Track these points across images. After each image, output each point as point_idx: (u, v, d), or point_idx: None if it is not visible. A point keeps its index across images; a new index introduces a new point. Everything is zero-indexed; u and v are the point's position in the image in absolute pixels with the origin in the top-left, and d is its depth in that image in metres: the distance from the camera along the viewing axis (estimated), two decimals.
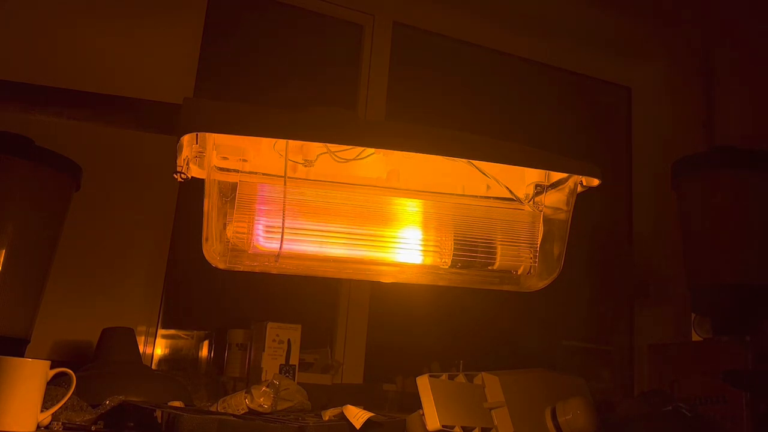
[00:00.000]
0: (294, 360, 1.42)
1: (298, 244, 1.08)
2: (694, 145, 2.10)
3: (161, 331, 1.68)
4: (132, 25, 1.69)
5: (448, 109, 2.10)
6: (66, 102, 1.09)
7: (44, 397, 0.97)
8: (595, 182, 1.12)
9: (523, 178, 1.18)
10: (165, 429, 0.97)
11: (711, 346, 1.46)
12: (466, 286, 1.21)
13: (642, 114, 2.39)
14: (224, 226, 1.05)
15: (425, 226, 1.16)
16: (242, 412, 1.11)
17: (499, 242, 1.16)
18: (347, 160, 1.09)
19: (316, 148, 1.07)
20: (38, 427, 0.96)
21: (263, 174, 1.08)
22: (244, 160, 1.06)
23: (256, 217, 1.05)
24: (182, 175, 1.04)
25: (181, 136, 0.97)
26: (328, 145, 1.06)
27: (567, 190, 1.15)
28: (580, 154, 1.17)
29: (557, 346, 2.14)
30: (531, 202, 1.18)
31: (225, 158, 1.05)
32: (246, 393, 1.13)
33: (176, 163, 1.03)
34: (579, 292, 2.12)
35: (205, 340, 1.75)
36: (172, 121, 1.01)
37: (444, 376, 1.09)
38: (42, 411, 0.97)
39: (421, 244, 1.15)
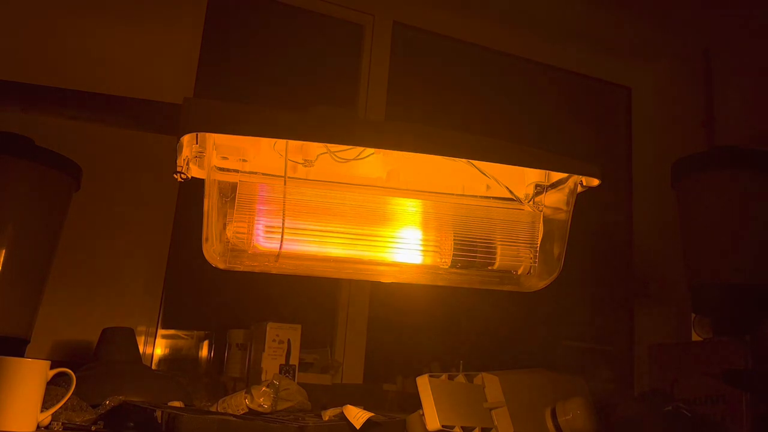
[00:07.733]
0: (294, 360, 1.42)
1: (298, 244, 1.08)
2: (694, 145, 2.10)
3: (161, 331, 1.68)
4: (132, 25, 1.69)
5: (448, 109, 2.10)
6: (66, 102, 1.09)
7: (44, 397, 0.97)
8: (595, 182, 1.12)
9: (523, 178, 1.18)
10: (165, 429, 0.97)
11: (711, 346, 1.46)
12: (466, 286, 1.21)
13: (642, 114, 2.39)
14: (224, 226, 1.05)
15: (425, 226, 1.16)
16: (242, 412, 1.11)
17: (499, 242, 1.16)
18: (347, 160, 1.09)
19: (316, 148, 1.07)
20: (38, 427, 0.96)
21: (263, 174, 1.08)
22: (244, 160, 1.06)
23: (256, 217, 1.05)
24: (182, 175, 1.04)
25: (181, 136, 0.97)
26: (328, 145, 1.06)
27: (567, 190, 1.15)
28: (580, 154, 1.17)
29: (557, 346, 2.14)
30: (531, 202, 1.18)
31: (225, 158, 1.05)
32: (246, 393, 1.13)
33: (176, 163, 1.03)
34: (579, 292, 2.12)
35: (205, 340, 1.75)
36: (172, 121, 1.01)
37: (444, 376, 1.09)
38: (42, 411, 0.97)
39: (420, 244, 1.15)
